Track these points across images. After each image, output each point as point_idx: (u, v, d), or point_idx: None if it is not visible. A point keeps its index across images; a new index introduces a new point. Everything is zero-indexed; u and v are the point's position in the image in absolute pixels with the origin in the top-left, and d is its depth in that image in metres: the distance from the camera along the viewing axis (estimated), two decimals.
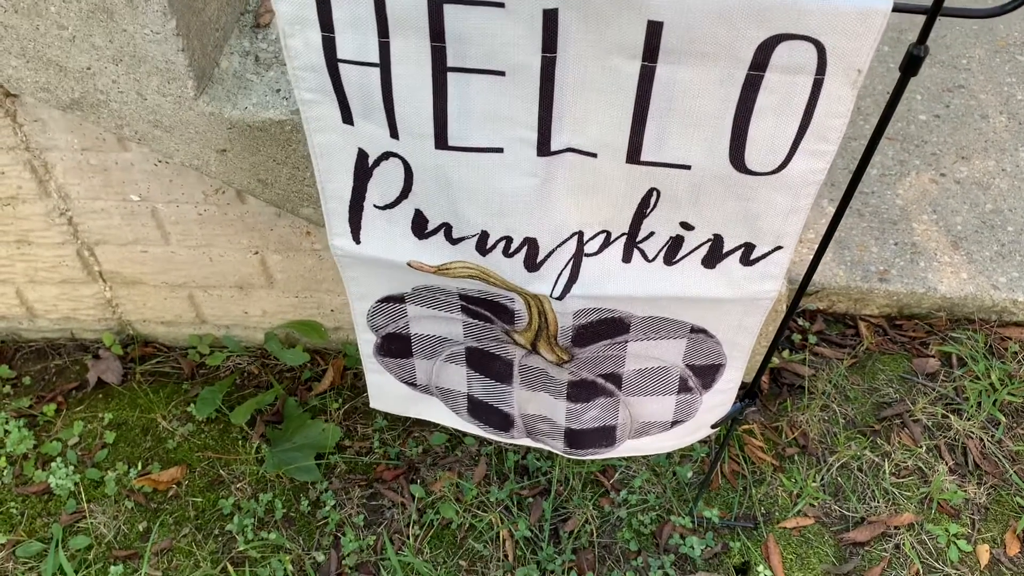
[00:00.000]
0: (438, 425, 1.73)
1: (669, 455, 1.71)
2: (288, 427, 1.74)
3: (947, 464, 1.70)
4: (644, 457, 1.72)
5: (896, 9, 0.70)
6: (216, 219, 1.65)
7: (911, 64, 0.74)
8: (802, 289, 1.04)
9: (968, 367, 1.84)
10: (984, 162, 2.16)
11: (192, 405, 1.78)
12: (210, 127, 1.40)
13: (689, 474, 1.68)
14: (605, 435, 1.20)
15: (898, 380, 1.84)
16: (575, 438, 1.21)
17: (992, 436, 1.74)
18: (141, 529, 1.61)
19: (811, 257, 1.95)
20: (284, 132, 1.38)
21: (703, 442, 1.71)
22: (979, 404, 1.78)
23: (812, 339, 1.89)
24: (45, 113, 1.49)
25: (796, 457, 1.71)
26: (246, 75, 1.42)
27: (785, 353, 1.87)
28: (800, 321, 1.92)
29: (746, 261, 0.94)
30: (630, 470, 1.69)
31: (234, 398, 1.81)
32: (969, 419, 1.76)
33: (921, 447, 1.73)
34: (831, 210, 2.04)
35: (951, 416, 1.76)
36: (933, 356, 1.87)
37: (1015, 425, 1.75)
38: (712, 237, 0.93)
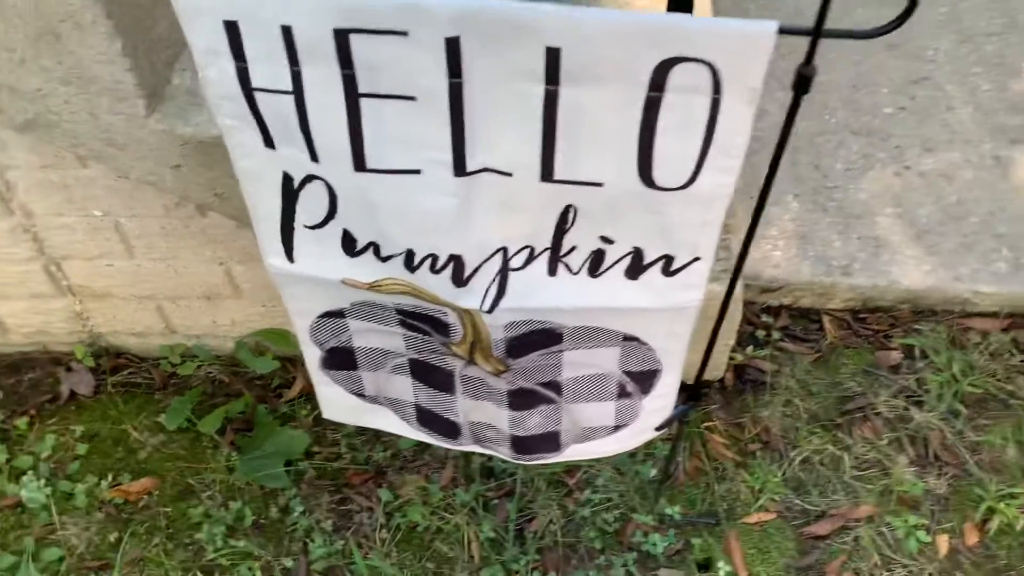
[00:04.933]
0: None
1: (632, 454, 1.74)
2: (258, 435, 1.76)
3: (908, 456, 1.72)
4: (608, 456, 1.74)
5: (782, 31, 0.72)
6: (179, 232, 1.67)
7: (800, 83, 0.76)
8: (739, 266, 1.02)
9: (930, 359, 1.86)
10: (949, 154, 2.17)
11: (163, 415, 1.81)
12: (163, 144, 1.42)
13: (652, 472, 1.70)
14: (549, 440, 1.22)
15: (861, 374, 1.86)
16: (520, 444, 1.23)
17: (953, 427, 1.75)
18: (112, 540, 1.64)
19: (775, 253, 1.96)
20: None
21: (666, 439, 1.73)
22: (940, 396, 1.79)
23: (776, 335, 1.91)
24: (4, 133, 1.51)
25: (758, 453, 1.73)
26: (198, 91, 1.43)
27: (749, 349, 1.88)
28: (764, 317, 1.94)
29: (667, 272, 0.96)
30: (593, 469, 1.71)
31: (205, 407, 1.83)
32: (930, 411, 1.78)
33: (883, 440, 1.74)
34: (795, 205, 2.05)
35: (912, 408, 1.78)
36: (896, 349, 1.89)
37: (975, 416, 1.77)
38: (632, 250, 0.94)
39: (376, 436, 1.77)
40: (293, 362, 1.91)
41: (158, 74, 1.40)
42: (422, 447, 1.75)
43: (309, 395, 1.85)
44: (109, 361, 1.90)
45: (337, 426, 1.79)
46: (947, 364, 1.84)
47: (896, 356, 1.87)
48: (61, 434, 1.80)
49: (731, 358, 1.83)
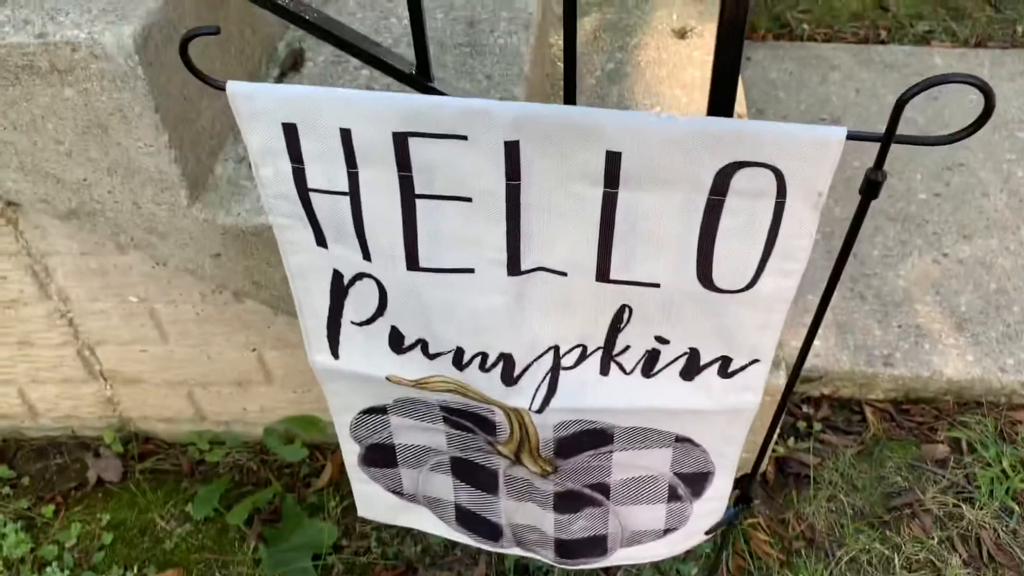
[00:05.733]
0: None
1: None
2: (286, 526, 1.72)
3: (960, 556, 1.65)
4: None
5: (851, 137, 0.71)
6: (214, 318, 1.66)
7: (870, 188, 0.74)
8: (794, 378, 1.01)
9: (978, 453, 1.80)
10: (986, 241, 2.15)
11: (190, 504, 1.77)
12: (204, 233, 1.42)
13: (694, 571, 1.64)
14: (596, 544, 1.18)
15: (907, 467, 1.80)
16: (565, 548, 1.18)
17: (1006, 526, 1.69)
18: None
19: (814, 342, 1.92)
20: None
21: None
22: (991, 492, 1.73)
23: (817, 426, 1.86)
24: (45, 220, 1.52)
25: (803, 551, 1.67)
26: (240, 181, 1.44)
27: (791, 441, 1.83)
28: (805, 408, 1.89)
29: (724, 374, 0.93)
30: (633, 568, 1.65)
31: (232, 495, 1.80)
32: (981, 508, 1.71)
33: (933, 538, 1.68)
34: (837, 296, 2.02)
35: (963, 505, 1.72)
36: (942, 442, 1.83)
37: None
38: (688, 351, 0.92)
39: (406, 530, 1.72)
40: (322, 450, 1.87)
41: (202, 164, 1.41)
42: (452, 543, 1.70)
43: (338, 484, 1.81)
44: (137, 446, 1.88)
45: (367, 519, 1.74)
46: (996, 459, 1.78)
47: (943, 450, 1.82)
48: (87, 522, 1.76)
49: (773, 450, 1.79)
